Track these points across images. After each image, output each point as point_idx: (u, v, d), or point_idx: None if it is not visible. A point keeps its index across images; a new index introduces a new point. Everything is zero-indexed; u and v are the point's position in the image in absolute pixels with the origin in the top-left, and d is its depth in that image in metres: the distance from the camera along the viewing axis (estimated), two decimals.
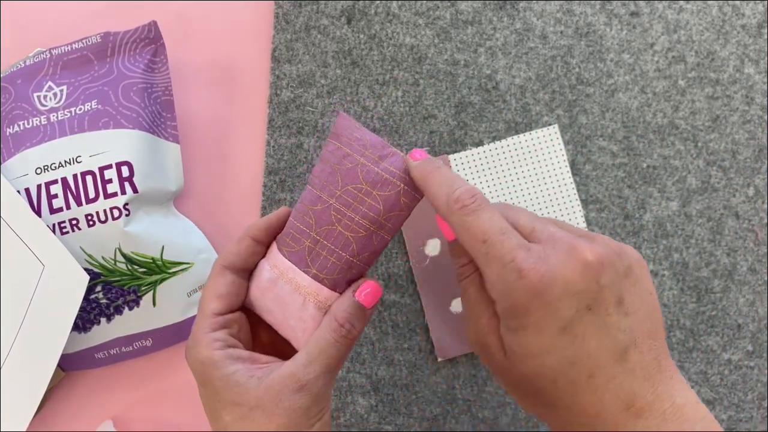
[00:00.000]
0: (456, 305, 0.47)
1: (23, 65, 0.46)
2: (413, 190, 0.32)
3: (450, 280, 0.47)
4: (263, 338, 0.33)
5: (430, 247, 0.48)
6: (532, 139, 0.48)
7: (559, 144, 0.48)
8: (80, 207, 0.42)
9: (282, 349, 0.34)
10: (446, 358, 0.47)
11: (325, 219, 0.32)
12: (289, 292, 0.32)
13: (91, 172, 0.43)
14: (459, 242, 0.29)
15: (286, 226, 0.34)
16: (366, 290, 0.30)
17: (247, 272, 0.33)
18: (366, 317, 0.30)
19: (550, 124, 0.48)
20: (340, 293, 0.32)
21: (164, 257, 0.44)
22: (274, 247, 0.34)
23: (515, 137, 0.48)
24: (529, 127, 0.48)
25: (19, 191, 0.43)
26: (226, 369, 0.28)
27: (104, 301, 0.44)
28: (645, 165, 0.48)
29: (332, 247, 0.32)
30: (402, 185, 0.32)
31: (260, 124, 0.49)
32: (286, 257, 0.33)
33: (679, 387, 0.27)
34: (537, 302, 0.25)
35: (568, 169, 0.48)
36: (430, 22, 0.50)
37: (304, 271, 0.32)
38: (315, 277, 0.32)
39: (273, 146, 0.49)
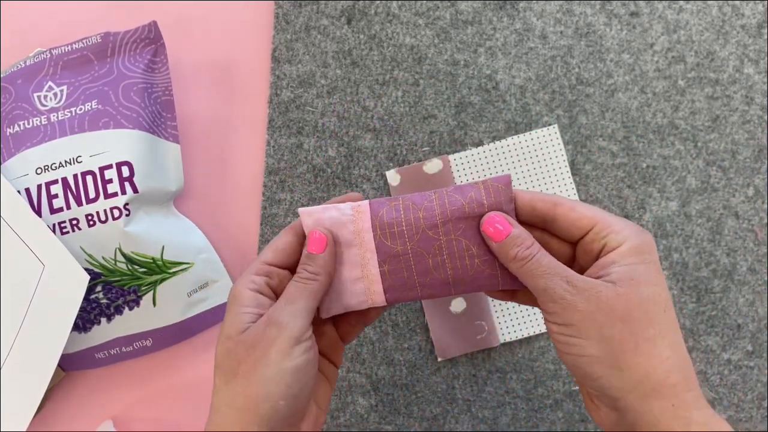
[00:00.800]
0: (456, 305, 0.47)
1: (23, 65, 0.46)
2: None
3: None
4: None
5: None
6: (531, 139, 0.48)
7: (558, 144, 0.48)
8: (80, 207, 0.42)
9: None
10: (446, 358, 0.47)
11: (427, 245, 0.34)
12: (353, 264, 0.35)
13: (92, 172, 0.43)
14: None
15: (391, 216, 0.35)
16: (311, 240, 0.33)
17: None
18: (319, 261, 0.33)
19: (549, 124, 0.48)
20: (385, 301, 0.35)
21: (164, 257, 0.44)
22: (366, 218, 0.35)
23: (515, 137, 0.48)
24: (528, 127, 0.48)
25: (19, 191, 0.43)
26: (242, 306, 0.32)
27: (104, 301, 0.44)
28: (645, 165, 0.48)
29: (412, 266, 0.34)
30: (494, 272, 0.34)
31: (260, 124, 0.49)
32: (374, 240, 0.34)
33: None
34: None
35: (568, 169, 0.48)
36: (430, 23, 0.50)
37: (379, 262, 0.34)
38: (382, 275, 0.34)
39: (273, 146, 0.49)
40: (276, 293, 0.33)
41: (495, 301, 0.47)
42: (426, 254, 0.34)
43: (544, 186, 0.48)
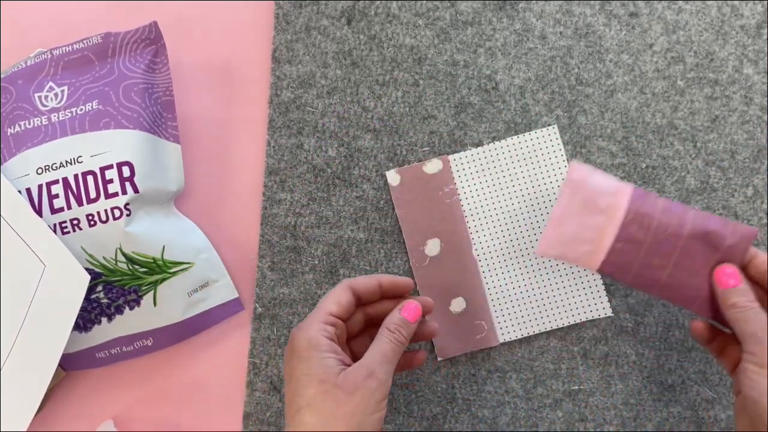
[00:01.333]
0: (456, 305, 0.47)
1: (24, 65, 0.46)
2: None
3: (450, 281, 0.47)
4: (353, 348, 0.41)
5: (430, 247, 0.48)
6: (531, 140, 0.48)
7: (558, 144, 0.48)
8: (81, 207, 0.42)
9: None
10: (446, 357, 0.47)
11: (663, 247, 0.40)
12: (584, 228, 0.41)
13: (92, 172, 0.43)
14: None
15: (648, 209, 0.40)
16: (409, 308, 0.38)
17: (359, 301, 0.39)
18: (411, 328, 0.38)
19: (549, 125, 0.48)
20: (599, 267, 0.41)
21: (165, 257, 0.44)
22: (625, 199, 0.40)
23: (514, 138, 0.48)
24: (528, 127, 0.48)
25: (20, 191, 0.43)
26: (324, 352, 0.35)
27: (105, 300, 0.44)
28: (644, 165, 0.48)
29: (640, 256, 0.40)
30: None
31: (261, 124, 0.49)
32: (624, 218, 0.40)
33: None
34: None
35: (568, 169, 0.48)
36: (429, 23, 0.50)
37: (616, 237, 0.40)
38: (612, 248, 0.40)
39: (273, 146, 0.49)
40: (336, 340, 0.37)
41: (494, 300, 0.47)
42: (657, 254, 0.40)
43: (544, 186, 0.48)
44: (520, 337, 0.47)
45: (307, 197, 0.48)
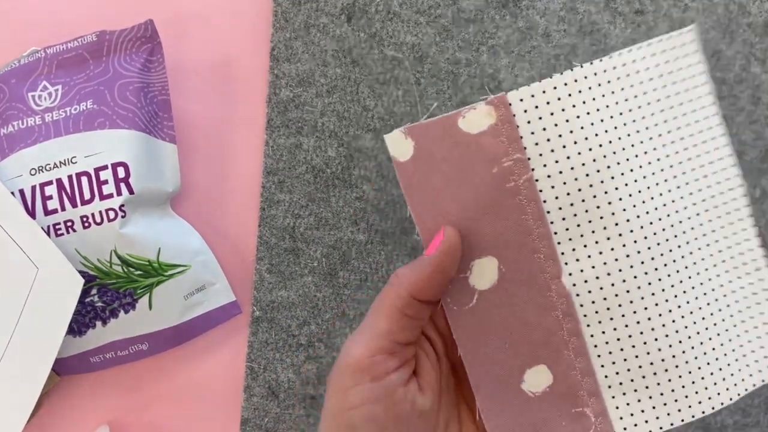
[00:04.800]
0: (532, 379, 0.28)
1: (17, 64, 0.46)
2: None
3: (519, 335, 0.28)
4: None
5: (479, 273, 0.28)
6: (654, 56, 0.28)
7: (696, 60, 0.29)
8: (75, 208, 0.42)
9: None
10: None
11: None
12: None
13: (87, 173, 0.43)
14: None
15: None
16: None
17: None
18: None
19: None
20: None
21: (161, 259, 0.43)
22: None
23: (623, 54, 0.28)
24: None
25: (13, 192, 0.42)
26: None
27: (100, 304, 0.43)
28: None
29: None
30: None
31: (259, 123, 0.49)
32: None
33: None
34: None
35: (713, 100, 0.29)
36: (431, 21, 0.49)
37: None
38: None
39: (272, 146, 0.48)
40: None
41: (609, 368, 0.27)
42: None
43: (685, 139, 0.28)
44: None
45: (306, 198, 0.48)
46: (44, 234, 0.41)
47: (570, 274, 0.27)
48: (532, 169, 0.26)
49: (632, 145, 0.26)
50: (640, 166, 0.26)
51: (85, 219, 0.42)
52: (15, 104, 0.45)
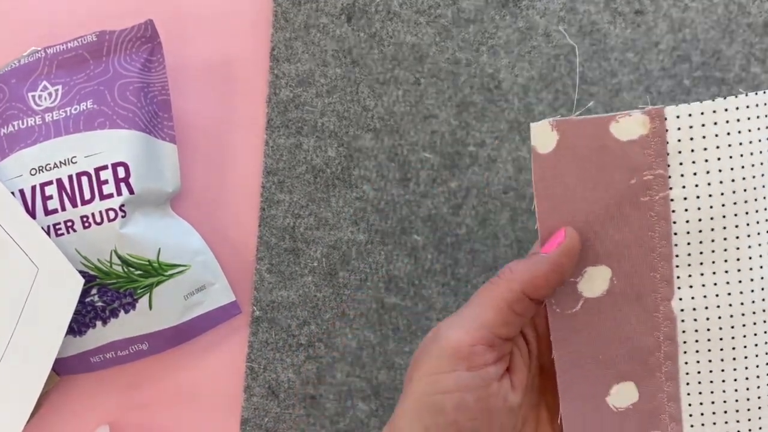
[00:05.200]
0: (619, 394, 0.28)
1: (17, 64, 0.46)
2: None
3: (617, 348, 0.28)
4: None
5: (590, 279, 0.28)
6: None
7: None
8: (75, 208, 0.42)
9: None
10: None
11: None
12: None
13: (87, 173, 0.43)
14: None
15: None
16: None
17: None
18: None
19: None
20: None
21: (161, 259, 0.43)
22: None
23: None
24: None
25: (13, 192, 0.42)
26: None
27: (100, 304, 0.43)
28: None
29: None
30: None
31: (259, 123, 0.49)
32: None
33: None
34: None
35: None
36: (431, 21, 0.49)
37: None
38: None
39: (272, 146, 0.48)
40: None
41: (695, 398, 0.27)
42: None
43: None
44: None
45: (306, 198, 0.48)
46: (44, 234, 0.41)
47: (680, 299, 0.27)
48: (671, 188, 0.26)
49: None
50: None
51: (85, 219, 0.42)
52: (15, 104, 0.45)
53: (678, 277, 0.26)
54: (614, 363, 0.27)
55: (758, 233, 0.26)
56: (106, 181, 0.42)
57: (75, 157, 0.43)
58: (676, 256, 0.26)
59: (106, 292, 0.43)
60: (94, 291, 0.43)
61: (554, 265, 0.26)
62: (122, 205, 0.42)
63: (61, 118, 0.44)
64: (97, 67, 0.45)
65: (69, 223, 0.42)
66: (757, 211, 0.26)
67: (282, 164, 0.48)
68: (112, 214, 0.42)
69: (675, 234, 0.26)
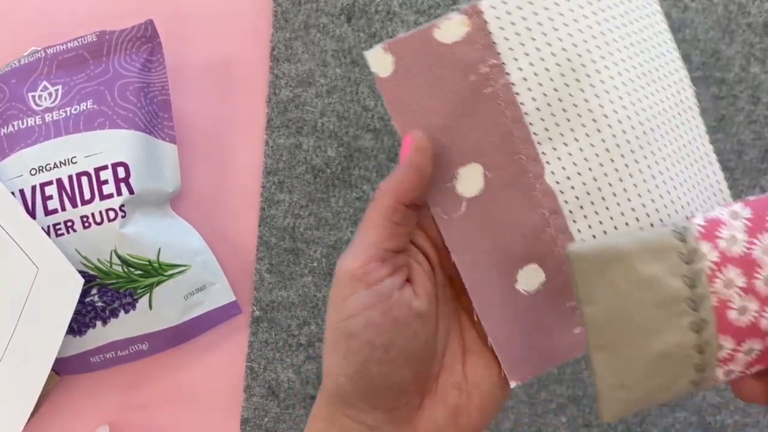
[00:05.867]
0: (526, 279, 0.29)
1: (18, 64, 0.46)
2: None
3: (509, 237, 0.28)
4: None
5: (465, 180, 0.28)
6: None
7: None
8: (75, 208, 0.42)
9: None
10: (522, 381, 0.29)
11: None
12: None
13: (87, 173, 0.43)
14: None
15: None
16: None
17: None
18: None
19: None
20: None
21: (161, 259, 0.43)
22: None
23: None
24: None
25: (13, 192, 0.42)
26: None
27: (100, 303, 0.43)
28: None
29: None
30: None
31: (259, 123, 0.49)
32: None
33: None
34: None
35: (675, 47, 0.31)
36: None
37: None
38: None
39: (272, 146, 0.48)
40: None
41: None
42: None
43: (646, 44, 0.29)
44: None
45: (306, 198, 0.48)
46: (44, 234, 0.41)
47: (553, 173, 0.27)
48: (508, 74, 0.27)
49: (598, 47, 0.27)
50: (613, 65, 0.27)
51: (85, 219, 0.42)
52: (15, 104, 0.45)
53: (543, 153, 0.28)
54: (512, 250, 0.28)
55: (605, 91, 0.27)
56: (106, 181, 0.42)
57: (75, 157, 0.43)
58: (535, 134, 0.28)
59: (106, 292, 0.43)
60: (94, 291, 0.43)
61: (412, 165, 0.27)
62: (122, 205, 0.42)
63: (61, 118, 0.44)
64: (97, 67, 0.45)
65: (69, 223, 0.42)
66: (598, 71, 0.27)
67: (282, 164, 0.48)
68: (112, 214, 0.42)
69: (526, 114, 0.27)
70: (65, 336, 0.41)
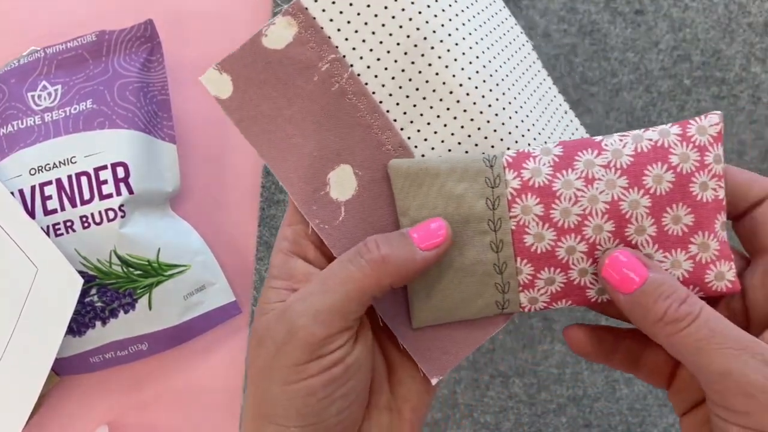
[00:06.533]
0: None
1: (17, 64, 0.46)
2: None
3: (392, 224, 0.27)
4: None
5: (336, 185, 0.27)
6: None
7: None
8: (75, 208, 0.42)
9: None
10: (442, 375, 0.28)
11: None
12: None
13: (86, 173, 0.42)
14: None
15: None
16: (429, 229, 0.27)
17: None
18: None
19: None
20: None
21: (160, 259, 0.43)
22: None
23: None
24: None
25: (13, 192, 0.42)
26: (272, 278, 0.28)
27: (99, 304, 0.43)
28: None
29: None
30: None
31: None
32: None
33: None
34: None
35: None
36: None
37: None
38: None
39: None
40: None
41: None
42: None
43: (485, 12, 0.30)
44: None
45: None
46: (44, 234, 0.41)
47: (423, 156, 0.27)
48: (351, 65, 0.26)
49: (435, 15, 0.26)
50: (455, 30, 0.26)
51: (84, 219, 0.42)
52: (15, 104, 0.44)
53: (409, 138, 0.27)
54: None
55: (454, 59, 0.26)
56: (105, 181, 0.42)
57: (74, 157, 0.43)
58: (395, 120, 0.27)
59: (106, 292, 0.43)
60: (93, 291, 0.43)
61: (427, 262, 0.25)
62: (122, 205, 0.42)
63: (61, 118, 0.44)
64: (96, 67, 0.45)
65: (68, 223, 0.42)
66: (441, 41, 0.26)
67: None
68: (111, 214, 0.42)
69: (381, 102, 0.27)
70: (65, 336, 0.41)
